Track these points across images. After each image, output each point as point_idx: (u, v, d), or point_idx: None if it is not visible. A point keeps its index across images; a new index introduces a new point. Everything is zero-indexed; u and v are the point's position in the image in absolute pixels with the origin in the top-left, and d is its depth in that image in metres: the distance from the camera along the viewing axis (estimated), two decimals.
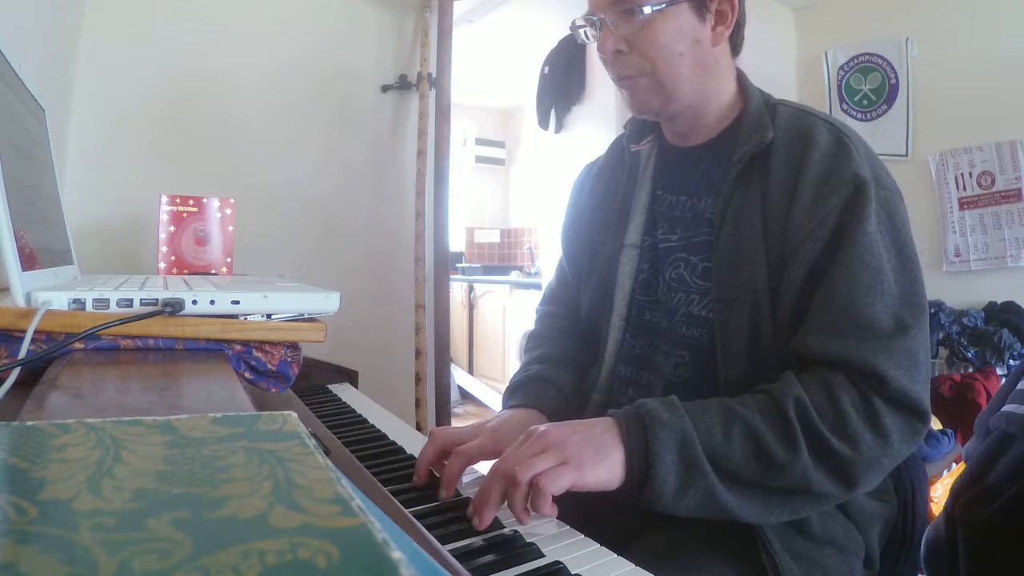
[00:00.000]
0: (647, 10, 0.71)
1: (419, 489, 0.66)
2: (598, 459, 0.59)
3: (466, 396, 4.15)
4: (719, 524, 0.67)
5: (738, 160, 0.73)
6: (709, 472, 0.60)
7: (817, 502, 0.63)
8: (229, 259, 1.26)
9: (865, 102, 2.75)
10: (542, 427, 0.62)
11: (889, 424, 0.61)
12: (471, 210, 5.26)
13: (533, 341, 0.93)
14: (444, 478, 0.63)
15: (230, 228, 1.26)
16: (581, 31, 0.77)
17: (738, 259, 0.71)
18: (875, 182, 0.68)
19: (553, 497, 0.56)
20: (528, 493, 0.56)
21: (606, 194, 0.89)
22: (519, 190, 5.30)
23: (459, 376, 4.15)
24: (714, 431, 0.61)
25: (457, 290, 4.37)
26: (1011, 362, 2.17)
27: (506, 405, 0.82)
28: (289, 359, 0.63)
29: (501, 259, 5.35)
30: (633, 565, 0.52)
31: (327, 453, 0.56)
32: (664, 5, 0.71)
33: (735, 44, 0.78)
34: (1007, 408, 1.10)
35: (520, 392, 0.81)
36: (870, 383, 0.62)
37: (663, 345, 0.79)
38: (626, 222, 0.84)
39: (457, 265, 4.67)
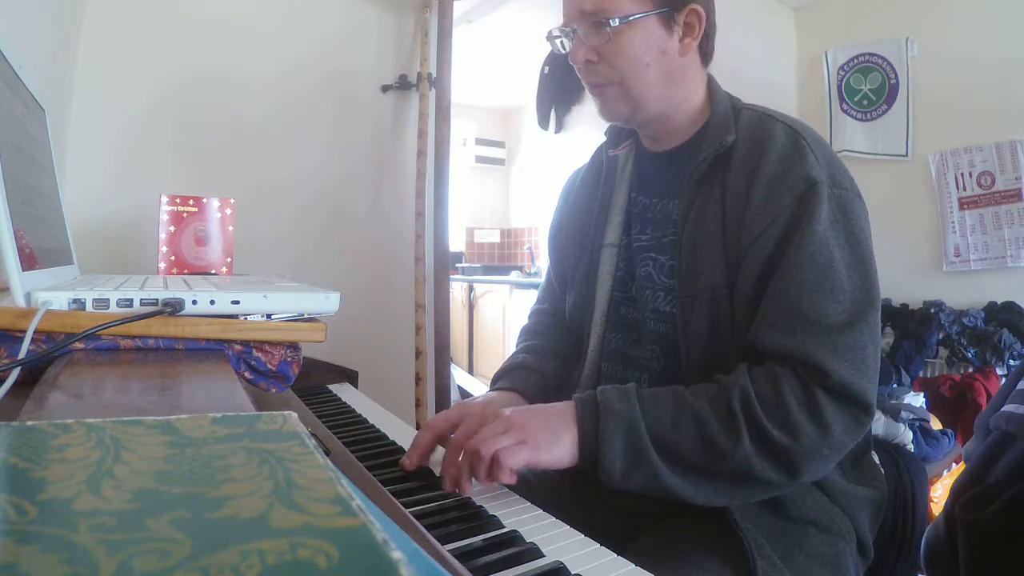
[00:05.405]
0: (615, 22, 0.73)
1: (419, 488, 0.66)
2: (552, 440, 0.66)
3: (466, 396, 4.13)
4: (718, 524, 0.67)
5: (700, 163, 0.76)
6: (653, 457, 0.64)
7: (764, 488, 0.66)
8: (229, 259, 1.25)
9: (865, 102, 2.74)
10: (507, 411, 0.68)
11: (830, 415, 0.64)
12: (471, 210, 5.26)
13: (523, 335, 1.00)
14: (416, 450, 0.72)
15: (230, 228, 1.26)
16: (557, 41, 0.81)
17: (699, 258, 0.74)
18: (829, 181, 0.70)
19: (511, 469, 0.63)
20: (490, 465, 0.63)
21: (589, 198, 0.92)
22: (519, 190, 5.30)
23: (459, 376, 4.14)
24: (663, 419, 0.65)
25: (457, 290, 4.37)
26: (1011, 362, 2.17)
27: (492, 388, 0.88)
28: (289, 359, 0.63)
29: (501, 259, 5.35)
30: (633, 565, 0.52)
31: (327, 453, 0.56)
32: (631, 18, 0.73)
33: (705, 53, 0.81)
34: (1007, 408, 1.10)
35: (506, 377, 0.88)
36: (813, 376, 0.64)
37: (639, 340, 0.82)
38: (605, 223, 0.87)
39: (457, 265, 4.67)
